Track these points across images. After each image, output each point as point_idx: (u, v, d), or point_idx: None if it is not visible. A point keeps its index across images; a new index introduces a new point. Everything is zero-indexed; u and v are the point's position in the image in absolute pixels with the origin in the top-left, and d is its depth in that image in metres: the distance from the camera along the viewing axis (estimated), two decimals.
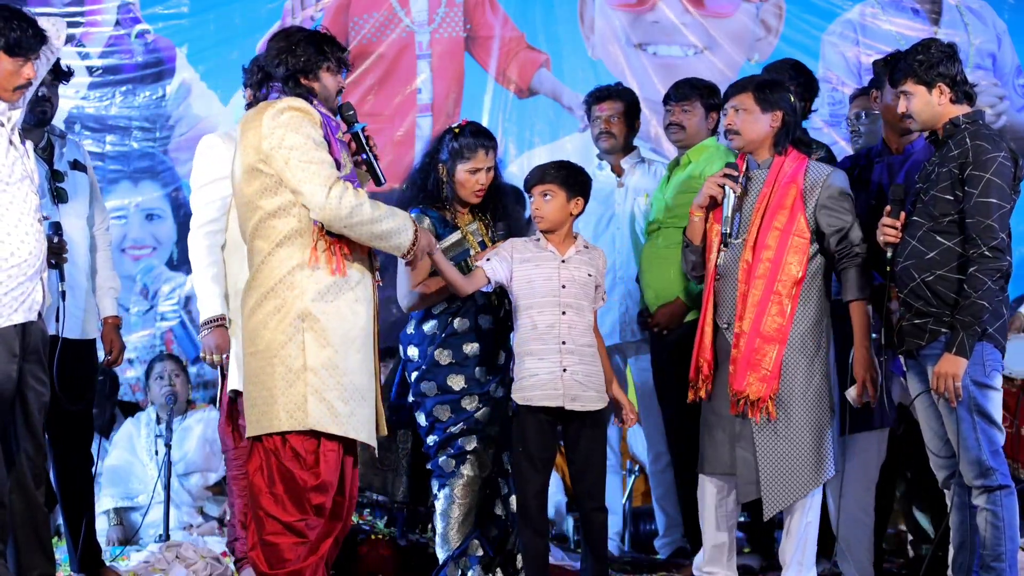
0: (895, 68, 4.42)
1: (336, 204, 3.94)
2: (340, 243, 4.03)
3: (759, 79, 4.84)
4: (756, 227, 4.60)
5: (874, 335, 4.68)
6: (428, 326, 4.91)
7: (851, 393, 4.58)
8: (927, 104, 4.35)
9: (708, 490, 4.71)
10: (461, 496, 4.87)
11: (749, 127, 4.66)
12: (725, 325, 4.64)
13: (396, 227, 4.06)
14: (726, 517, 4.70)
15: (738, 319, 4.58)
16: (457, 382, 4.87)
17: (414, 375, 4.92)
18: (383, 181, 4.29)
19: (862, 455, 4.87)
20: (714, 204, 4.71)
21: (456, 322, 4.89)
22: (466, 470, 4.87)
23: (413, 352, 4.93)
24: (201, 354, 4.76)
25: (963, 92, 4.36)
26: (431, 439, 4.92)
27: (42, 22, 4.35)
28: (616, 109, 5.76)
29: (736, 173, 4.66)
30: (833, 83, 7.22)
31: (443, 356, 4.88)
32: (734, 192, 4.63)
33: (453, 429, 4.88)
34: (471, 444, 4.88)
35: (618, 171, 5.83)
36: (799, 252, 4.56)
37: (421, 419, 4.93)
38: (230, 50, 7.28)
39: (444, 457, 4.89)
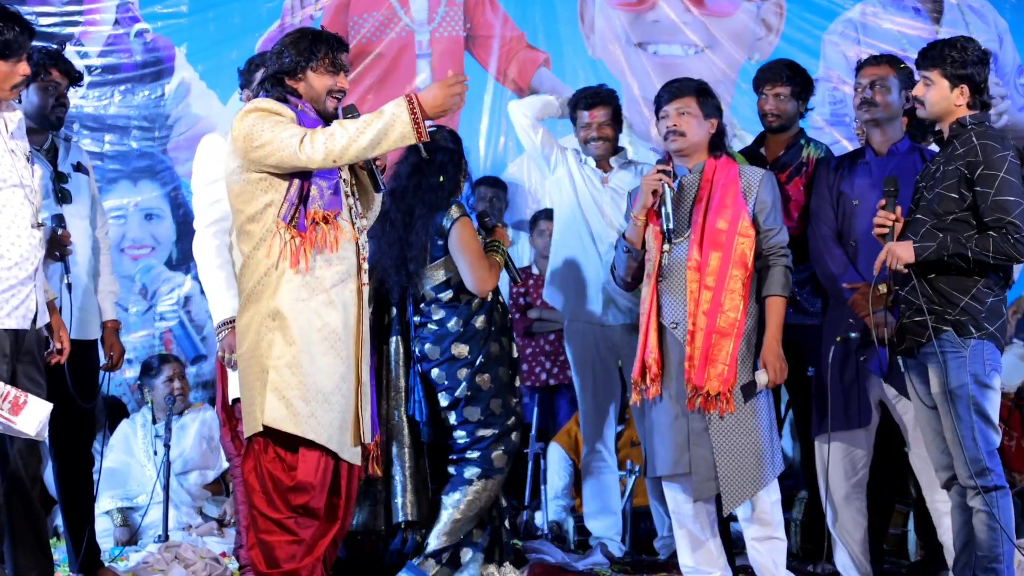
0: (926, 53, 4.39)
1: (310, 153, 3.93)
2: (307, 239, 4.00)
3: (696, 85, 4.84)
4: (700, 226, 4.68)
5: (853, 334, 4.75)
6: (479, 321, 5.02)
7: (762, 379, 4.64)
8: (944, 99, 4.35)
9: (676, 493, 4.78)
10: (493, 489, 4.98)
11: (694, 130, 4.75)
12: (673, 325, 4.71)
13: (383, 126, 3.94)
14: (707, 514, 4.77)
15: (690, 316, 4.64)
16: (505, 374, 5.04)
17: (463, 372, 4.98)
18: (382, 188, 4.27)
19: (850, 454, 4.88)
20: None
21: (496, 315, 5.06)
22: (507, 468, 5.02)
23: (462, 349, 4.99)
24: (219, 353, 4.69)
25: (981, 101, 4.35)
26: (487, 432, 4.99)
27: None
28: (606, 116, 5.77)
29: (669, 168, 4.75)
30: (834, 82, 7.22)
31: (496, 349, 5.03)
32: (670, 188, 4.70)
33: (506, 424, 5.01)
34: (516, 439, 5.06)
35: (604, 167, 5.82)
36: (748, 250, 4.67)
37: (474, 414, 4.98)
38: (229, 49, 7.28)
39: (498, 452, 4.99)
